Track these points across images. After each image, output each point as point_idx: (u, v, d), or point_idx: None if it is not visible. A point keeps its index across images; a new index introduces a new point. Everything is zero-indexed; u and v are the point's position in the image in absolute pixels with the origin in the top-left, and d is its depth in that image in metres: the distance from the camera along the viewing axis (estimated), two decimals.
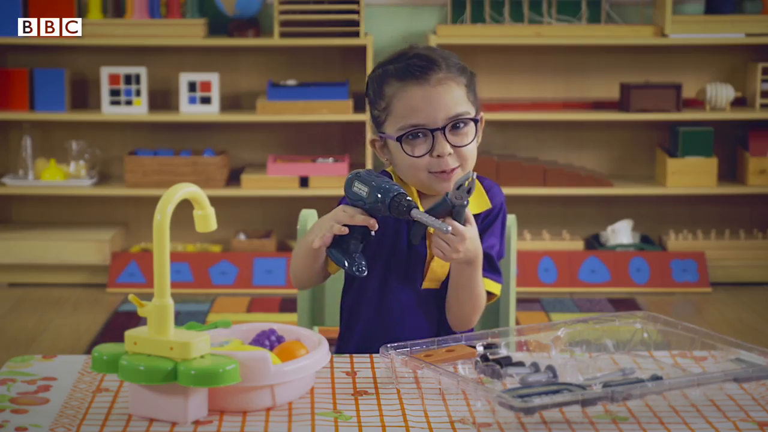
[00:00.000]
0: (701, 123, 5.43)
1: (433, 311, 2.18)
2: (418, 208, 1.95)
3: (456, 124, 2.10)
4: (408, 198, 1.96)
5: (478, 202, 2.17)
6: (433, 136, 2.09)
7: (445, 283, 2.17)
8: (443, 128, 2.08)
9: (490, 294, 2.17)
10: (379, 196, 1.97)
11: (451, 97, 2.10)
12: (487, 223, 2.18)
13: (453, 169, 2.10)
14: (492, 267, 2.17)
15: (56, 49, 5.44)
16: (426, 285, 2.17)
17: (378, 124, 2.16)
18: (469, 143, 2.11)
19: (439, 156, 2.08)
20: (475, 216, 2.14)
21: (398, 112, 2.10)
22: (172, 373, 1.66)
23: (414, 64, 2.10)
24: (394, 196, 1.96)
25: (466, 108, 2.11)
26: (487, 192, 2.19)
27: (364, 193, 2.00)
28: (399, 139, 2.10)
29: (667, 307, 5.02)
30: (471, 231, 2.01)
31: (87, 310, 4.94)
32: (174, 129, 5.54)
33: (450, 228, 1.94)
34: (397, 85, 2.10)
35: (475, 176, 1.96)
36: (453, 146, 2.09)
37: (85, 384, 1.84)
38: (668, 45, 5.43)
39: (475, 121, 2.12)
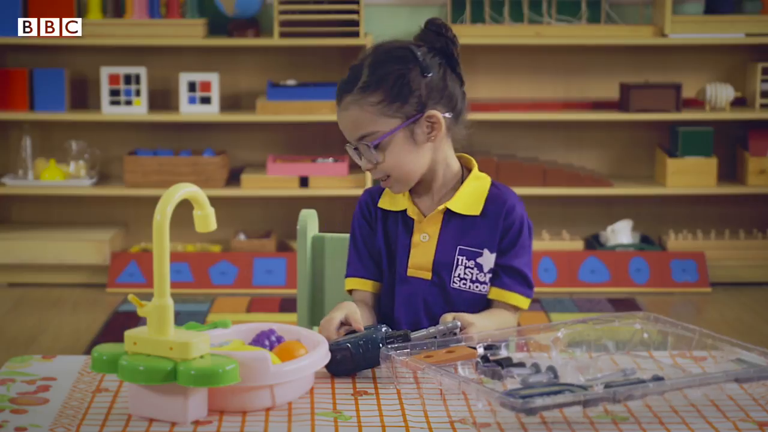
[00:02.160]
0: (701, 123, 5.43)
1: (426, 302, 2.20)
2: (409, 334, 1.96)
3: (373, 141, 2.13)
4: (394, 333, 1.95)
5: (465, 203, 2.18)
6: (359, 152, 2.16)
7: (437, 272, 2.18)
8: (356, 147, 2.14)
9: (518, 308, 2.20)
10: (369, 349, 1.91)
11: (354, 121, 2.13)
12: (511, 240, 2.19)
13: (386, 179, 2.16)
14: (526, 282, 2.19)
15: (56, 49, 5.44)
16: (412, 273, 2.19)
17: None
18: (388, 159, 2.13)
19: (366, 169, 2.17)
20: (460, 216, 2.17)
21: None
22: (172, 373, 1.66)
23: (341, 81, 2.16)
24: (385, 343, 1.92)
25: (374, 127, 2.12)
26: (491, 200, 2.19)
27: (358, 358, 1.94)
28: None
29: (667, 307, 5.02)
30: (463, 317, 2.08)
31: (87, 310, 4.93)
32: (174, 129, 5.54)
33: (457, 324, 2.00)
34: None
35: (458, 326, 2.01)
36: (375, 161, 2.13)
37: (84, 384, 1.84)
38: (668, 45, 5.43)
39: (398, 129, 2.12)
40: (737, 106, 5.47)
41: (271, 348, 1.86)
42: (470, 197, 2.19)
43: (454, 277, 2.18)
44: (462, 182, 2.21)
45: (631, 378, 1.76)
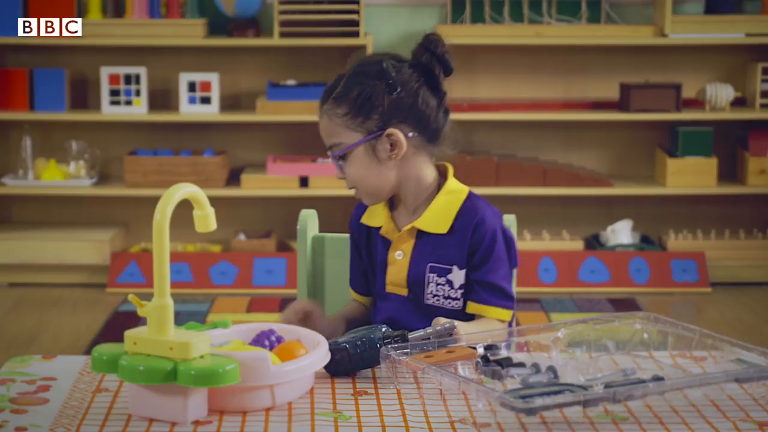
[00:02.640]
0: (701, 123, 5.43)
1: (404, 318, 2.19)
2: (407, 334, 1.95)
3: (335, 153, 2.15)
4: (393, 333, 1.92)
5: (433, 221, 2.15)
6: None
7: (412, 289, 2.18)
8: (331, 156, 2.16)
9: (501, 321, 2.17)
10: (367, 349, 1.91)
11: (325, 130, 2.16)
12: (483, 254, 2.15)
13: (354, 189, 2.18)
14: (504, 295, 2.17)
15: (56, 49, 5.44)
16: (390, 289, 2.20)
17: None
18: (350, 171, 2.13)
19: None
20: (424, 234, 2.15)
21: None
22: (172, 373, 1.66)
23: (324, 89, 2.18)
24: (383, 343, 1.90)
25: (339, 138, 2.13)
26: (461, 215, 2.15)
27: (356, 356, 1.93)
28: None
29: (667, 307, 5.02)
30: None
31: (87, 310, 4.93)
32: (174, 129, 5.54)
33: (453, 324, 1.96)
34: None
35: (455, 326, 1.96)
36: (342, 172, 2.16)
37: (84, 384, 1.84)
38: (668, 45, 5.43)
39: (360, 142, 2.12)
40: (737, 106, 5.47)
41: (271, 348, 1.86)
42: (440, 213, 2.16)
43: (428, 293, 2.17)
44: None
45: (631, 378, 1.76)
